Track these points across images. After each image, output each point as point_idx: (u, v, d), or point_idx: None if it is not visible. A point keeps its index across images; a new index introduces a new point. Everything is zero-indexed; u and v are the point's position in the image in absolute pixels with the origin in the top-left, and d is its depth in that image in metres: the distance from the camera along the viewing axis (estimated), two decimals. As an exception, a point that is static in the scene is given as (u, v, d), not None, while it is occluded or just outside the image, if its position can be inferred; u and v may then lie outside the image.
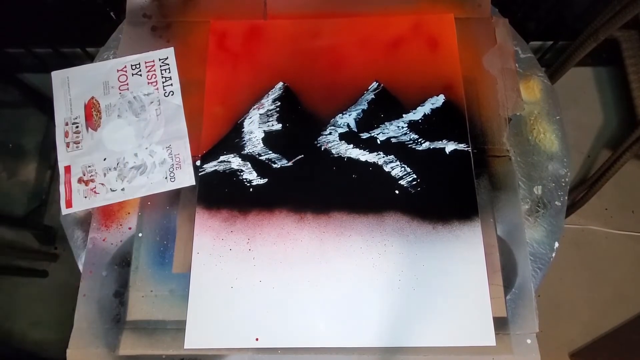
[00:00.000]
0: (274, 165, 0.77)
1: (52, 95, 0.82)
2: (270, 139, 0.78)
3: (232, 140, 0.78)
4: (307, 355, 0.67)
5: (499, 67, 0.82)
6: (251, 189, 0.75)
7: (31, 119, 1.52)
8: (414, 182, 0.75)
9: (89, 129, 0.80)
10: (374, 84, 0.81)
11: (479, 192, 0.74)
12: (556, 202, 0.76)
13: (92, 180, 0.76)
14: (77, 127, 0.80)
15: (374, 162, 0.76)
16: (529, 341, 0.67)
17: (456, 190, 0.74)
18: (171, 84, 0.82)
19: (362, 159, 0.76)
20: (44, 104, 1.43)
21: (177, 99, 0.81)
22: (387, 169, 0.76)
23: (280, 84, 0.81)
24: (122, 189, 0.76)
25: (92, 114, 0.80)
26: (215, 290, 0.69)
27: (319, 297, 0.69)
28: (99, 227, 0.74)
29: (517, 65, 0.83)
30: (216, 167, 0.77)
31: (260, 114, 0.80)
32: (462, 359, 0.66)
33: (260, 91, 0.81)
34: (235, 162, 0.77)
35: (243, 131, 0.79)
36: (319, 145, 0.78)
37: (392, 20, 0.85)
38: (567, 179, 0.78)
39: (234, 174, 0.76)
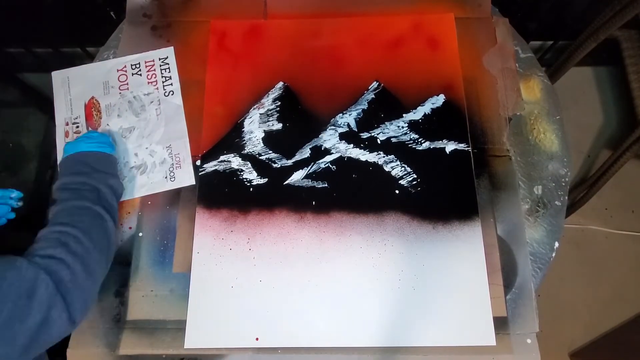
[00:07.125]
0: (274, 165, 0.76)
1: (52, 95, 0.82)
2: (270, 139, 0.78)
3: (232, 140, 0.78)
4: (307, 355, 0.67)
5: (499, 66, 0.82)
6: (251, 189, 0.75)
7: (31, 118, 1.52)
8: (414, 182, 0.75)
9: (89, 128, 0.79)
10: (374, 84, 0.81)
11: (479, 191, 0.74)
12: (556, 202, 0.76)
13: (92, 180, 0.76)
14: (77, 126, 0.80)
15: (374, 161, 0.76)
16: (529, 341, 0.67)
17: (456, 190, 0.74)
18: (171, 84, 0.82)
19: (362, 158, 0.76)
20: (44, 103, 1.42)
21: (177, 99, 0.81)
22: (387, 168, 0.76)
23: (281, 84, 0.81)
24: (123, 189, 0.75)
25: (92, 114, 0.80)
26: (216, 290, 0.69)
27: (319, 297, 0.69)
28: (99, 227, 0.74)
29: (517, 65, 0.83)
30: (216, 167, 0.77)
31: (260, 114, 0.80)
32: (462, 359, 0.66)
33: (261, 91, 0.81)
34: (235, 161, 0.77)
35: (243, 131, 0.79)
36: (319, 145, 0.77)
37: (393, 20, 0.85)
38: (567, 179, 0.78)
39: (234, 173, 0.76)
